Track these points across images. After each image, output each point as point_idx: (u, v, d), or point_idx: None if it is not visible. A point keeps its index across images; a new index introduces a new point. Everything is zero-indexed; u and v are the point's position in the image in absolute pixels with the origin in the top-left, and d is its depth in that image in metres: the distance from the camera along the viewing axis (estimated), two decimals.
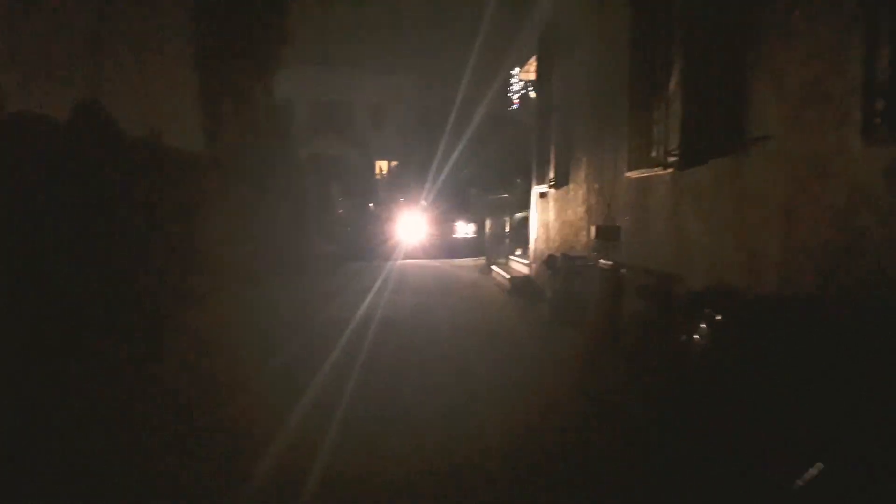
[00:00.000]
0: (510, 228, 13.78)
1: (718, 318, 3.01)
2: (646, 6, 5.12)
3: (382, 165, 31.57)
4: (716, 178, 4.02)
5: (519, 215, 16.77)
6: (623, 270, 4.93)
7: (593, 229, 6.01)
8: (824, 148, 3.01)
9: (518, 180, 19.45)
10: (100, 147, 7.44)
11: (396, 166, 30.29)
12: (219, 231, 9.87)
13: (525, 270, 10.69)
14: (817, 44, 3.09)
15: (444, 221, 16.59)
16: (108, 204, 6.85)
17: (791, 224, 3.24)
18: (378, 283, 10.66)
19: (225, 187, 10.24)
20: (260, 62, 11.18)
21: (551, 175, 8.38)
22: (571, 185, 7.58)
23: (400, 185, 27.76)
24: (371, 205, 20.52)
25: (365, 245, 15.78)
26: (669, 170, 4.54)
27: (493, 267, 12.60)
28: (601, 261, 5.62)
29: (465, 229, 15.97)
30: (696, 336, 3.12)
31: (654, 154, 4.91)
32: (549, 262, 7.66)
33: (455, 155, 27.54)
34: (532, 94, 10.47)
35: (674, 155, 4.33)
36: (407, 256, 15.46)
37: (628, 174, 5.37)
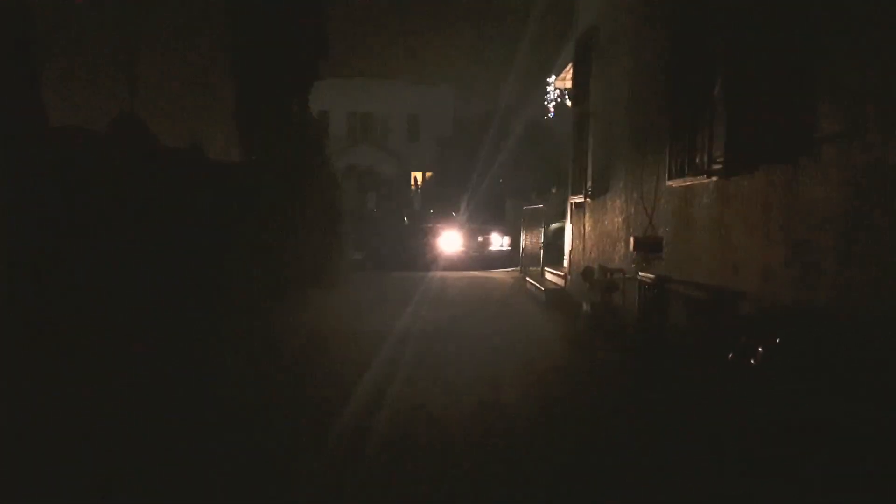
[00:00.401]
0: (545, 239, 13.55)
1: (779, 340, 2.78)
2: (689, 8, 4.92)
3: (418, 177, 31.62)
4: (766, 187, 3.79)
5: (554, 226, 16.55)
6: (666, 284, 4.71)
7: (632, 240, 5.79)
8: (890, 155, 2.77)
9: (553, 190, 19.25)
10: (143, 159, 7.56)
11: (432, 178, 30.30)
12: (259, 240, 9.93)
13: (561, 283, 10.46)
14: (882, 41, 2.86)
15: (479, 233, 16.43)
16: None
17: (848, 236, 3.00)
18: (413, 295, 10.56)
19: (262, 198, 10.30)
20: (298, 74, 11.23)
21: (588, 184, 8.17)
22: (609, 195, 7.36)
23: (435, 196, 27.77)
24: (406, 216, 20.53)
25: (400, 257, 15.81)
26: (714, 178, 4.32)
27: (528, 279, 12.38)
28: (641, 273, 5.39)
29: (499, 241, 15.69)
30: (760, 358, 2.89)
31: (697, 161, 4.69)
32: (586, 275, 7.44)
33: (490, 166, 27.45)
34: (568, 103, 10.27)
35: (718, 162, 4.12)
36: (442, 268, 15.48)
37: (670, 183, 5.16)
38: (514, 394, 4.64)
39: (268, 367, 5.48)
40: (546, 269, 12.32)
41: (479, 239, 15.05)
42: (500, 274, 15.08)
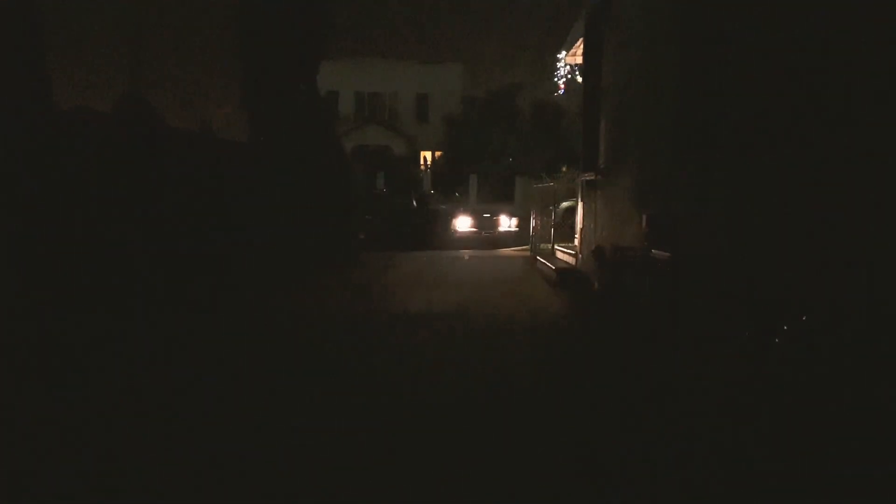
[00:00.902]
0: (556, 218, 13.44)
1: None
2: None
3: (427, 156, 31.43)
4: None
5: (565, 204, 16.39)
6: (681, 263, 4.62)
7: (645, 218, 5.69)
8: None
9: (563, 168, 19.07)
10: (147, 139, 7.52)
11: (441, 157, 30.10)
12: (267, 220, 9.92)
13: (572, 262, 10.37)
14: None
15: (489, 212, 16.29)
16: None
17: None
18: (424, 274, 10.52)
19: (270, 178, 10.26)
20: (305, 53, 11.11)
21: (599, 162, 8.05)
22: (621, 173, 7.24)
23: (444, 175, 27.60)
24: (416, 196, 20.44)
25: (409, 237, 15.80)
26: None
27: (539, 258, 12.30)
28: (654, 251, 5.31)
29: (507, 223, 15.53)
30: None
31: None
32: (597, 254, 7.35)
33: (500, 144, 27.19)
34: (579, 79, 10.10)
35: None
36: (453, 247, 15.46)
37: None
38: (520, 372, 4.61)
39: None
40: (557, 247, 12.23)
41: (489, 219, 14.84)
42: (511, 251, 14.98)
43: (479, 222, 14.56)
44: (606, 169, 7.82)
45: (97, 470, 2.93)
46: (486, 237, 14.83)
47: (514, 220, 15.42)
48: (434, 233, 15.92)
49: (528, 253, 14.30)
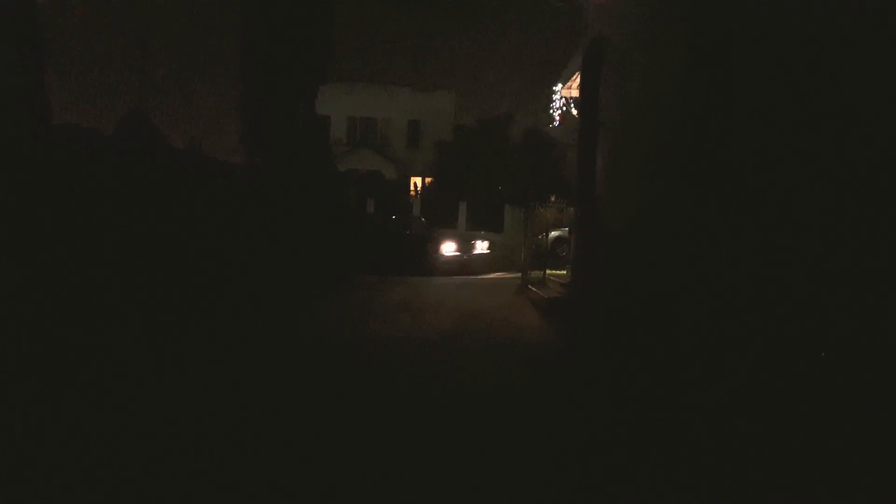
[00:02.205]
0: (548, 246, 13.56)
1: None
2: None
3: (417, 181, 31.61)
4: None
5: (554, 233, 16.58)
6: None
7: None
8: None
9: (552, 198, 19.31)
10: (148, 159, 7.53)
11: (432, 182, 30.28)
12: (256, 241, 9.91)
13: (562, 291, 10.44)
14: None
15: (469, 238, 17.40)
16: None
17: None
18: (419, 298, 10.54)
19: (266, 200, 10.28)
20: (304, 77, 11.24)
21: (596, 192, 8.17)
22: (617, 206, 7.36)
23: (434, 201, 27.72)
24: (404, 221, 20.64)
25: (397, 260, 15.96)
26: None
27: (530, 286, 12.37)
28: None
29: (481, 246, 17.12)
30: None
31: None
32: (592, 281, 7.43)
33: (490, 171, 27.42)
34: (574, 112, 10.30)
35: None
36: (440, 272, 15.89)
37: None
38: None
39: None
40: (548, 275, 12.31)
41: (468, 243, 16.36)
42: (501, 277, 15.08)
43: (461, 246, 15.91)
44: (602, 202, 7.94)
45: None
46: (466, 259, 16.00)
47: (486, 244, 17.11)
48: (420, 257, 16.29)
49: (505, 276, 14.37)
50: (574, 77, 10.07)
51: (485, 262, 16.53)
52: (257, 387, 4.82)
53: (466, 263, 15.81)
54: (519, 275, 13.73)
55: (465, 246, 15.86)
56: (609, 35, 7.92)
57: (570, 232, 11.91)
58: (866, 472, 2.91)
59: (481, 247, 16.66)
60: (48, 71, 7.33)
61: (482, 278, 15.24)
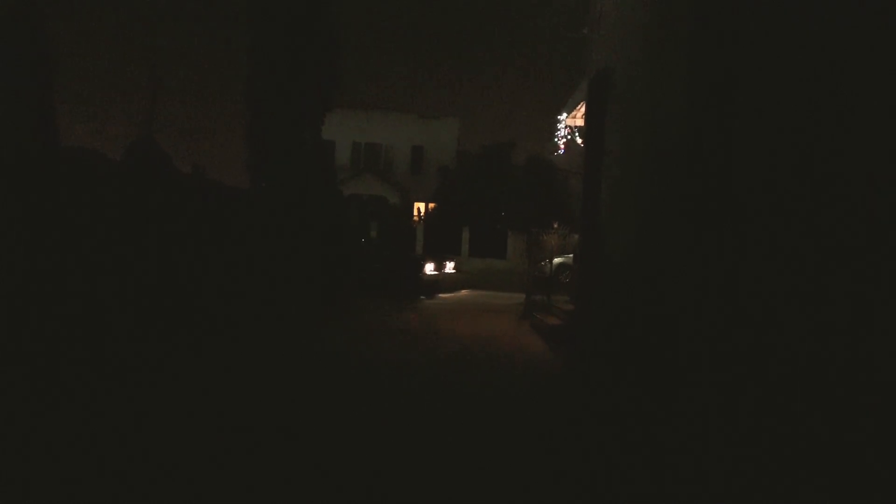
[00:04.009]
0: (550, 273, 13.59)
1: None
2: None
3: (421, 207, 31.73)
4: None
5: (558, 260, 16.65)
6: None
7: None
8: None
9: (555, 225, 19.45)
10: (157, 184, 7.60)
11: (435, 208, 30.40)
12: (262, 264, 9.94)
13: (568, 318, 10.43)
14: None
15: (442, 259, 19.20)
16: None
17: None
18: (409, 324, 10.54)
19: (270, 224, 10.34)
20: (310, 105, 11.37)
21: (600, 219, 8.21)
22: (621, 236, 7.38)
23: (437, 226, 27.81)
24: (409, 245, 21.33)
25: (398, 284, 16.43)
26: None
27: (534, 313, 12.35)
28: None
29: (450, 265, 19.38)
30: None
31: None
32: (594, 308, 7.42)
33: (493, 198, 27.56)
34: (579, 140, 10.40)
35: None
36: (445, 293, 17.50)
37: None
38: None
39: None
40: (553, 300, 12.30)
41: (440, 262, 18.47)
42: (507, 299, 15.16)
43: (437, 266, 18.03)
44: (605, 229, 7.97)
45: None
46: (441, 277, 18.11)
47: (452, 264, 19.51)
48: (425, 281, 17.03)
49: (522, 307, 14.34)
50: (579, 106, 10.19)
51: (454, 281, 19.12)
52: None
53: (441, 280, 18.16)
54: (499, 293, 13.84)
55: (440, 265, 18.58)
56: (614, 66, 8.03)
57: (573, 259, 11.96)
58: None
59: (449, 266, 19.37)
60: (57, 96, 7.43)
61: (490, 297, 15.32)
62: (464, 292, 18.69)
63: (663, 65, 6.20)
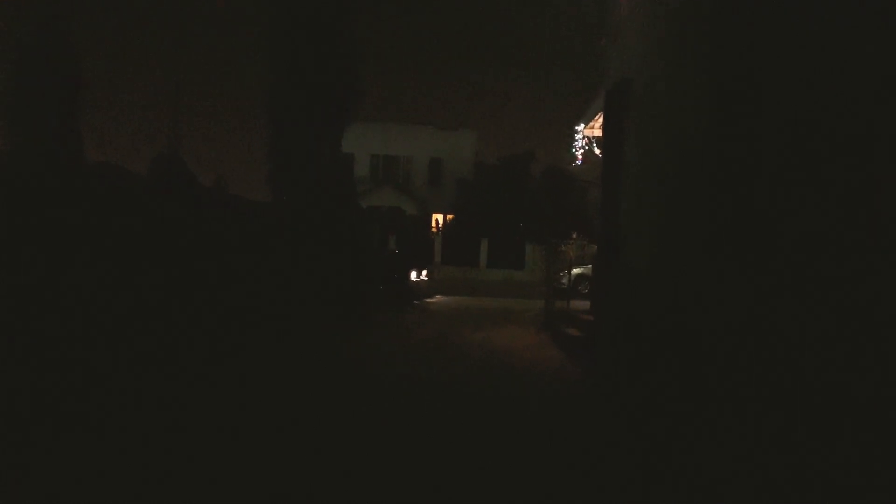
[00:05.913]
0: (569, 284, 13.54)
1: None
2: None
3: (439, 219, 31.82)
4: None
5: (576, 271, 16.59)
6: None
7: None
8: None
9: (574, 235, 19.41)
10: (181, 199, 7.72)
11: (453, 219, 30.48)
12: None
13: (587, 329, 10.37)
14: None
15: (423, 268, 20.07)
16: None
17: None
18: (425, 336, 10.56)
19: (292, 238, 10.44)
20: (330, 119, 11.50)
21: (619, 230, 8.18)
22: (639, 240, 7.36)
23: (455, 237, 27.87)
24: (427, 257, 21.70)
25: (413, 294, 16.97)
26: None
27: (553, 322, 12.31)
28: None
29: (423, 274, 20.19)
30: None
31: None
32: (613, 318, 7.39)
33: (511, 209, 27.57)
34: (597, 151, 10.40)
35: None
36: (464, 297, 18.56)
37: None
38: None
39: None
40: (573, 308, 12.25)
41: (419, 271, 19.26)
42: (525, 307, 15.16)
43: (418, 272, 18.94)
44: (624, 239, 7.94)
45: None
46: (421, 282, 19.00)
47: (424, 272, 20.21)
48: (401, 281, 17.80)
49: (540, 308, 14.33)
50: (597, 117, 10.18)
51: (428, 286, 20.07)
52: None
53: (422, 285, 19.18)
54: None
55: (419, 272, 19.66)
56: (632, 76, 8.03)
57: (592, 269, 11.92)
58: None
59: (423, 274, 20.66)
60: (83, 113, 7.61)
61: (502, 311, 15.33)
62: (486, 300, 19.31)
63: (684, 73, 6.20)
